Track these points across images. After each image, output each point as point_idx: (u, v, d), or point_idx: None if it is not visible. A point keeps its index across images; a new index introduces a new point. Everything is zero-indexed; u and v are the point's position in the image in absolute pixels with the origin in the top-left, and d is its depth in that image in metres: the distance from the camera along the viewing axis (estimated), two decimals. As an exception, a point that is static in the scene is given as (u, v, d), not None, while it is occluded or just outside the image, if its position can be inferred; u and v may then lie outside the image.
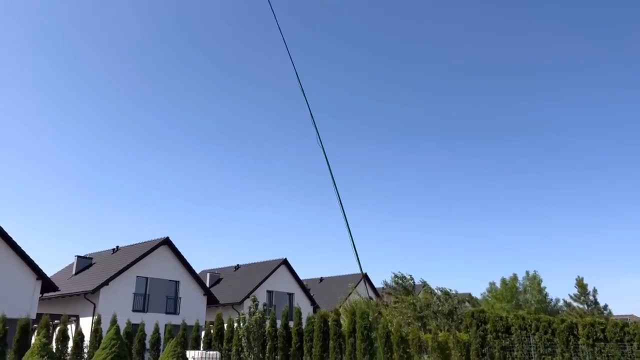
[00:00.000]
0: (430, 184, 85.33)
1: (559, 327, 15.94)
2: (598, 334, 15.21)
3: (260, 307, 22.12)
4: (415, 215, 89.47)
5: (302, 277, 42.33)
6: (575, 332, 15.68)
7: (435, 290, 22.70)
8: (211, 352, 20.42)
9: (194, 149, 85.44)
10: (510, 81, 73.25)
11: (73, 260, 34.71)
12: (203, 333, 22.73)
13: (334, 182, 3.74)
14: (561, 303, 31.31)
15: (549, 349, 15.94)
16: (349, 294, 36.60)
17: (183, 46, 78.19)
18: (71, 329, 24.04)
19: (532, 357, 16.14)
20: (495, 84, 73.98)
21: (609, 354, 14.84)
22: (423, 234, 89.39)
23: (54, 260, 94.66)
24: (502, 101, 74.83)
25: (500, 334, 16.92)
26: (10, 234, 24.62)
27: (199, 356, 19.88)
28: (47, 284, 26.56)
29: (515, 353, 16.49)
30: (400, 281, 24.13)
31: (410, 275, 24.12)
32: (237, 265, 43.83)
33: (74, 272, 33.56)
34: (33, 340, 17.54)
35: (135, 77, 78.72)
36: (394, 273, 24.65)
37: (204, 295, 33.80)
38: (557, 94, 72.01)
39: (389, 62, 76.95)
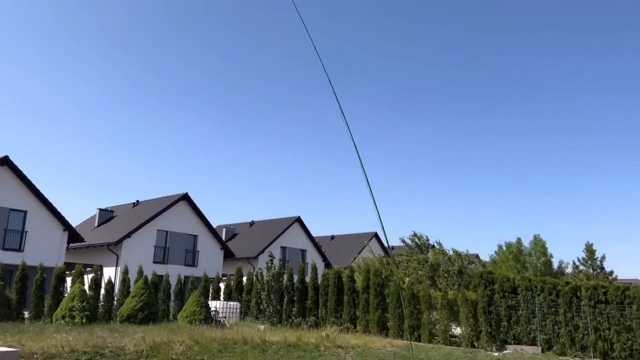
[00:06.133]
0: (443, 145, 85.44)
1: (563, 289, 16.79)
2: (600, 297, 16.05)
3: (277, 262, 23.28)
4: (426, 176, 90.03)
5: (314, 234, 43.52)
6: (578, 294, 16.52)
7: (447, 251, 23.60)
8: (232, 303, 21.67)
9: (209, 109, 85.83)
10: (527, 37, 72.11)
11: (95, 212, 35.97)
12: (223, 285, 23.97)
13: (362, 163, 4.32)
14: (566, 266, 32.16)
15: (553, 309, 16.86)
16: (361, 250, 37.75)
17: (196, 11, 77.41)
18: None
19: (536, 316, 17.10)
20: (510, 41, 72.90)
21: (609, 315, 15.73)
22: (433, 195, 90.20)
23: (75, 213, 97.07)
24: (519, 58, 73.93)
25: (507, 294, 17.85)
26: (39, 188, 25.76)
27: (221, 306, 21.12)
28: (73, 235, 27.87)
29: (520, 312, 17.45)
30: (417, 240, 25.03)
31: (426, 236, 25.04)
32: (252, 221, 45.03)
33: (96, 224, 34.86)
34: (68, 288, 18.75)
35: (148, 40, 78.41)
36: (413, 232, 25.59)
37: (221, 249, 35.08)
38: (581, 50, 70.96)
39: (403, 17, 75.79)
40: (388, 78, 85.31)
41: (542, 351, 16.43)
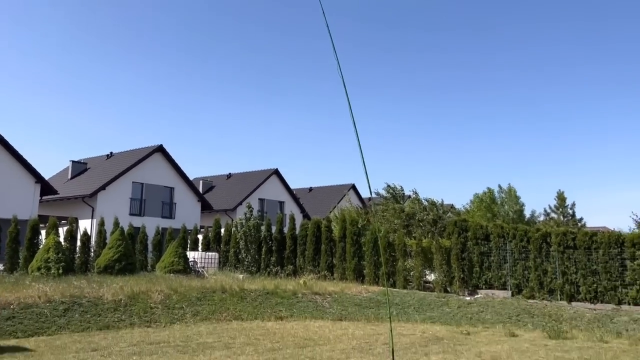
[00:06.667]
0: (417, 94, 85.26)
1: (534, 236, 17.30)
2: (569, 242, 16.61)
3: (255, 213, 23.36)
4: (402, 126, 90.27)
5: (292, 186, 43.63)
6: (548, 240, 17.06)
7: (423, 201, 23.96)
8: (210, 253, 21.80)
9: (183, 59, 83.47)
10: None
11: (68, 164, 35.27)
12: (201, 236, 24.02)
13: (350, 107, 4.25)
14: (539, 215, 33.12)
15: (523, 254, 17.43)
16: (340, 200, 38.12)
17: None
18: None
19: (507, 262, 17.67)
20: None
21: (577, 260, 16.34)
22: (412, 145, 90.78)
23: (47, 166, 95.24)
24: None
25: (479, 241, 18.33)
26: (8, 140, 25.02)
27: (199, 256, 21.24)
28: (46, 188, 27.34)
29: (492, 258, 18.00)
30: (392, 191, 25.33)
31: (401, 186, 25.35)
32: (229, 173, 44.80)
33: (69, 177, 34.24)
34: (43, 240, 18.54)
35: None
36: (386, 183, 25.91)
37: (198, 201, 34.96)
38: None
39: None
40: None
41: (512, 295, 17.08)
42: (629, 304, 15.26)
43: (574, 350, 9.78)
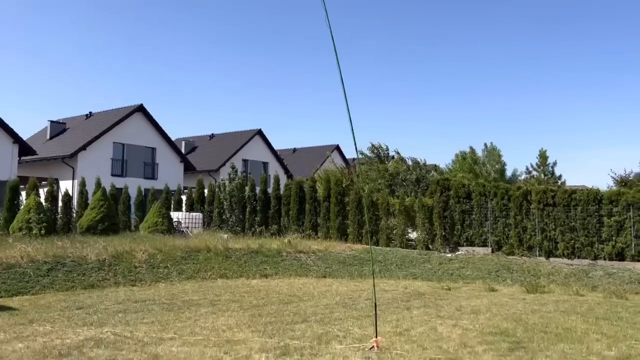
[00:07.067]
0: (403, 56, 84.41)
1: (515, 194, 17.59)
2: (549, 200, 16.92)
3: (239, 174, 23.28)
4: (388, 86, 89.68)
5: (275, 147, 43.42)
6: (529, 198, 17.36)
7: (407, 160, 24.07)
8: (194, 214, 21.78)
9: (164, 13, 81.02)
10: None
11: (46, 124, 34.50)
12: (184, 197, 23.92)
13: (339, 67, 4.16)
14: (520, 174, 33.54)
15: (504, 212, 17.73)
16: (324, 161, 38.18)
17: None
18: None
19: (488, 219, 17.98)
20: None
21: (556, 217, 16.69)
22: (395, 107, 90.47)
23: (24, 126, 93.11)
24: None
25: (461, 199, 18.58)
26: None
27: (183, 217, 21.21)
28: (24, 148, 26.80)
29: (473, 216, 18.30)
30: (377, 150, 25.34)
31: (386, 146, 25.36)
32: (212, 134, 44.34)
33: (48, 137, 33.54)
34: (23, 201, 18.30)
35: None
36: (371, 143, 25.85)
37: (181, 162, 34.67)
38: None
39: None
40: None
41: (493, 251, 17.47)
42: (605, 259, 15.73)
43: (551, 303, 10.10)
